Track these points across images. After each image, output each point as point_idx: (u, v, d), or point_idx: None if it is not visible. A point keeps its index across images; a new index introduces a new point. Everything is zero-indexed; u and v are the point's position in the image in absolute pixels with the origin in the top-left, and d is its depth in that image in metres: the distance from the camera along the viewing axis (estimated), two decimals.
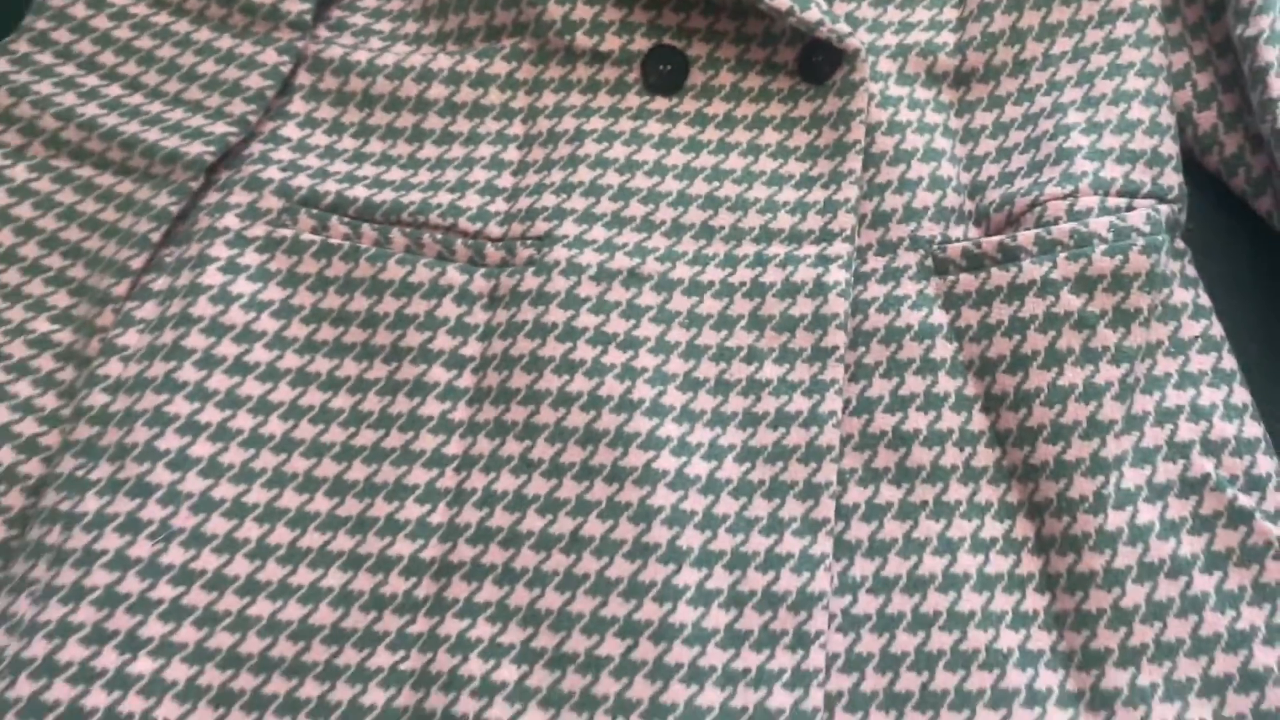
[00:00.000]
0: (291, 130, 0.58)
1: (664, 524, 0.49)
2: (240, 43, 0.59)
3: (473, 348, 0.53)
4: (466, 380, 0.53)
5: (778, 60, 0.58)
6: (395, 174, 0.57)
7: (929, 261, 0.53)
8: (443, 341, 0.53)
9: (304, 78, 0.59)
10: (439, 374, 0.53)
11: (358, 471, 0.52)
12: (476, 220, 0.55)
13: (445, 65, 0.58)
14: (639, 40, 0.58)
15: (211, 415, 0.52)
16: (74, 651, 0.47)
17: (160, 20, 0.61)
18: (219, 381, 0.53)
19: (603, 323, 0.53)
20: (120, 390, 0.52)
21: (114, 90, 0.59)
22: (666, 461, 0.50)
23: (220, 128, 0.57)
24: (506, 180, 0.57)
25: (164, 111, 0.58)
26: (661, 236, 0.55)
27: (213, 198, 0.56)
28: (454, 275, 0.54)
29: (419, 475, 0.52)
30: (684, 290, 0.54)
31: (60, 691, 0.47)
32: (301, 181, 0.56)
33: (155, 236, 0.55)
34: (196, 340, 0.53)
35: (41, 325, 0.55)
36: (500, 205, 0.56)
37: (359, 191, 0.56)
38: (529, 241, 0.55)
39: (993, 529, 0.50)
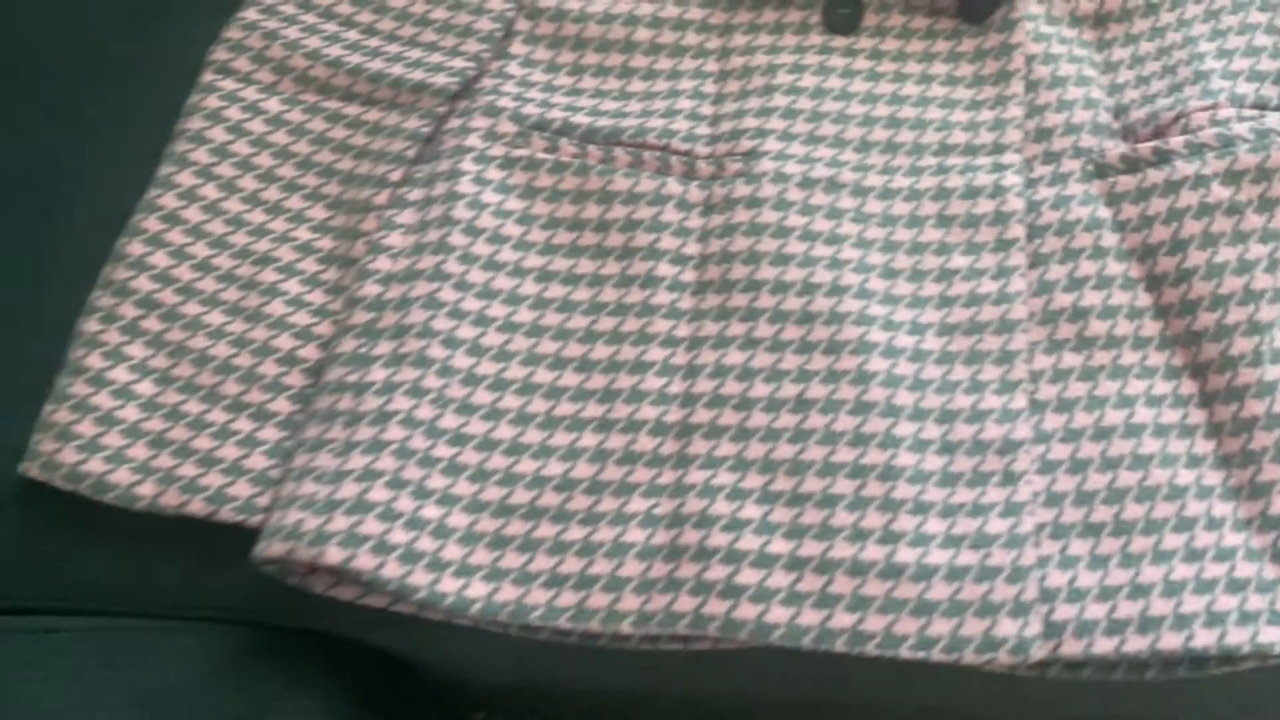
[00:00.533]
0: (514, 68, 0.66)
1: (880, 385, 0.56)
2: None
3: (692, 247, 0.61)
4: (689, 275, 0.60)
5: (940, 4, 0.66)
6: (609, 105, 0.65)
7: (1090, 167, 0.62)
8: (667, 241, 0.61)
9: (522, 24, 0.67)
10: (666, 269, 0.60)
11: (600, 351, 0.59)
12: (686, 141, 0.63)
13: (648, 12, 0.66)
14: None
15: (472, 304, 0.59)
16: (380, 494, 0.54)
17: None
18: (476, 275, 0.60)
19: (809, 222, 0.60)
20: (392, 281, 0.59)
21: (352, 35, 0.67)
22: (877, 335, 0.58)
23: (459, 63, 0.64)
24: (707, 109, 0.64)
25: (402, 51, 0.66)
26: (852, 152, 0.62)
27: (455, 123, 0.64)
28: (673, 186, 0.62)
29: (656, 354, 0.59)
30: (877, 195, 0.61)
31: (371, 526, 0.53)
32: (531, 110, 0.64)
33: (410, 153, 0.62)
34: (458, 239, 0.60)
35: (303, 234, 0.62)
36: (704, 129, 0.64)
37: (581, 119, 0.64)
38: (735, 157, 0.62)
39: (1162, 387, 0.57)
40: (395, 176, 0.62)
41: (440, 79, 0.64)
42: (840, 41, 0.66)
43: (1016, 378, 0.57)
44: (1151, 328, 0.59)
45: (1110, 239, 0.60)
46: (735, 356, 0.58)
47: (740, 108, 0.64)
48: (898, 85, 0.64)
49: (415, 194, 0.62)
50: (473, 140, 0.63)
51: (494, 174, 0.62)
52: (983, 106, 0.63)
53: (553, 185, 0.62)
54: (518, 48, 0.66)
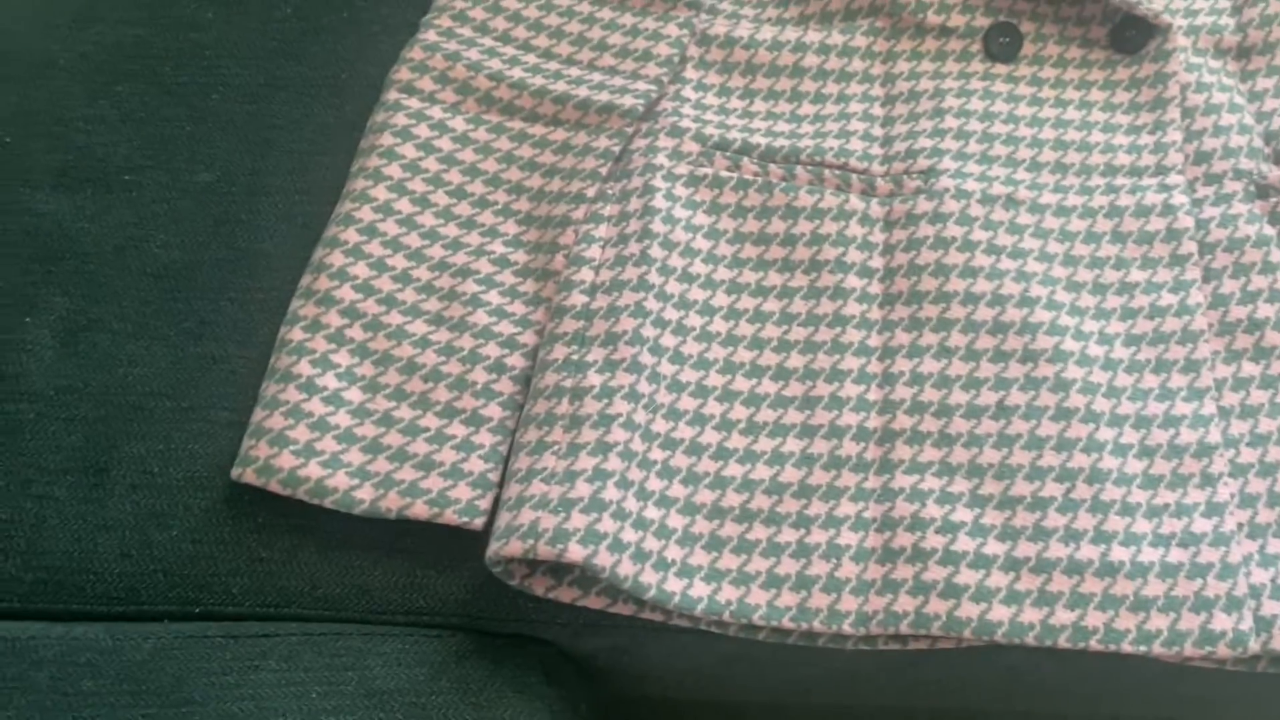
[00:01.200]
0: (689, 92, 0.68)
1: (1079, 393, 0.59)
2: (642, 19, 0.69)
3: (877, 261, 0.63)
4: (875, 288, 0.62)
5: (1091, 37, 0.70)
6: (783, 126, 0.67)
7: (1251, 188, 0.65)
8: (854, 255, 0.63)
9: (693, 50, 0.69)
10: (854, 281, 0.62)
11: (796, 360, 0.61)
12: (863, 160, 0.66)
13: (815, 39, 0.69)
14: (979, 18, 0.69)
15: (671, 314, 0.61)
16: (611, 493, 0.55)
17: (563, 1, 0.71)
18: (674, 286, 0.61)
19: (993, 236, 0.63)
20: (598, 291, 0.61)
21: (531, 59, 0.69)
22: (1071, 344, 0.60)
23: (642, 85, 0.66)
24: (878, 130, 0.67)
25: (582, 75, 0.68)
26: (1025, 171, 0.65)
27: (641, 143, 0.66)
28: (856, 202, 0.64)
29: (850, 362, 0.61)
30: (1053, 212, 0.64)
31: (607, 524, 0.54)
32: (711, 130, 0.66)
33: (603, 171, 0.64)
34: (657, 251, 0.62)
35: (498, 248, 0.63)
36: (878, 149, 0.66)
37: (759, 139, 0.66)
38: (914, 175, 0.65)
39: None
40: (591, 192, 0.63)
41: (627, 100, 0.66)
42: (1001, 69, 0.69)
43: (1204, 385, 0.60)
44: None
45: (1278, 255, 0.63)
46: (930, 365, 0.60)
47: (912, 129, 0.67)
48: (1060, 110, 0.68)
49: (610, 209, 0.64)
50: (660, 159, 0.65)
51: (680, 190, 0.64)
52: (1142, 131, 0.67)
53: (737, 201, 0.64)
54: (691, 72, 0.69)
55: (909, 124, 0.67)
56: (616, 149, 0.65)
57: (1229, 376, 0.61)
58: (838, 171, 0.65)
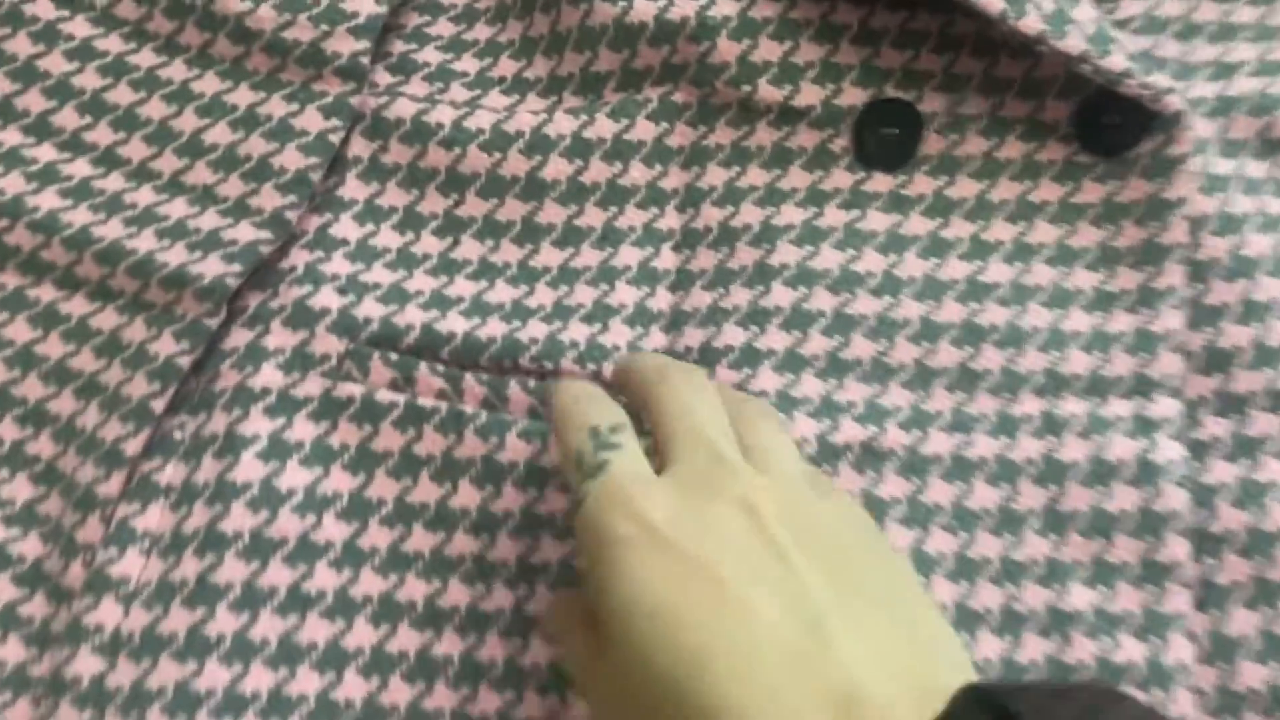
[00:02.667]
0: (347, 228, 0.40)
1: None
2: (265, 99, 0.40)
3: None
4: None
5: (1044, 118, 0.40)
6: (502, 293, 0.39)
7: None
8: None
9: (360, 147, 0.41)
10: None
11: None
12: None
13: (566, 129, 0.40)
14: (849, 91, 0.40)
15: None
16: None
17: (141, 61, 0.42)
18: (264, 627, 0.36)
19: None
20: (121, 651, 0.35)
21: (79, 167, 0.41)
22: None
23: (245, 232, 0.39)
24: (663, 300, 0.39)
25: (156, 205, 0.40)
26: (902, 390, 0.38)
27: (239, 339, 0.38)
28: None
29: None
30: (945, 473, 0.37)
31: None
32: (370, 309, 0.39)
33: (156, 406, 0.37)
34: (232, 570, 0.35)
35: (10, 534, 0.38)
36: (658, 339, 0.39)
37: (455, 323, 0.38)
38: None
39: None
40: (131, 447, 0.37)
41: (210, 266, 0.38)
42: (882, 183, 0.40)
43: None
44: None
45: None
46: None
47: (716, 303, 0.39)
48: (978, 265, 0.39)
49: (169, 474, 0.37)
50: (266, 375, 0.37)
51: (302, 431, 0.37)
52: (1115, 306, 0.38)
53: (403, 448, 0.37)
54: (353, 188, 0.40)
55: (714, 291, 0.39)
56: (186, 360, 0.37)
57: None
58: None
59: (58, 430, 0.38)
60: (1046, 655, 0.36)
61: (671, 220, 0.40)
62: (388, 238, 0.40)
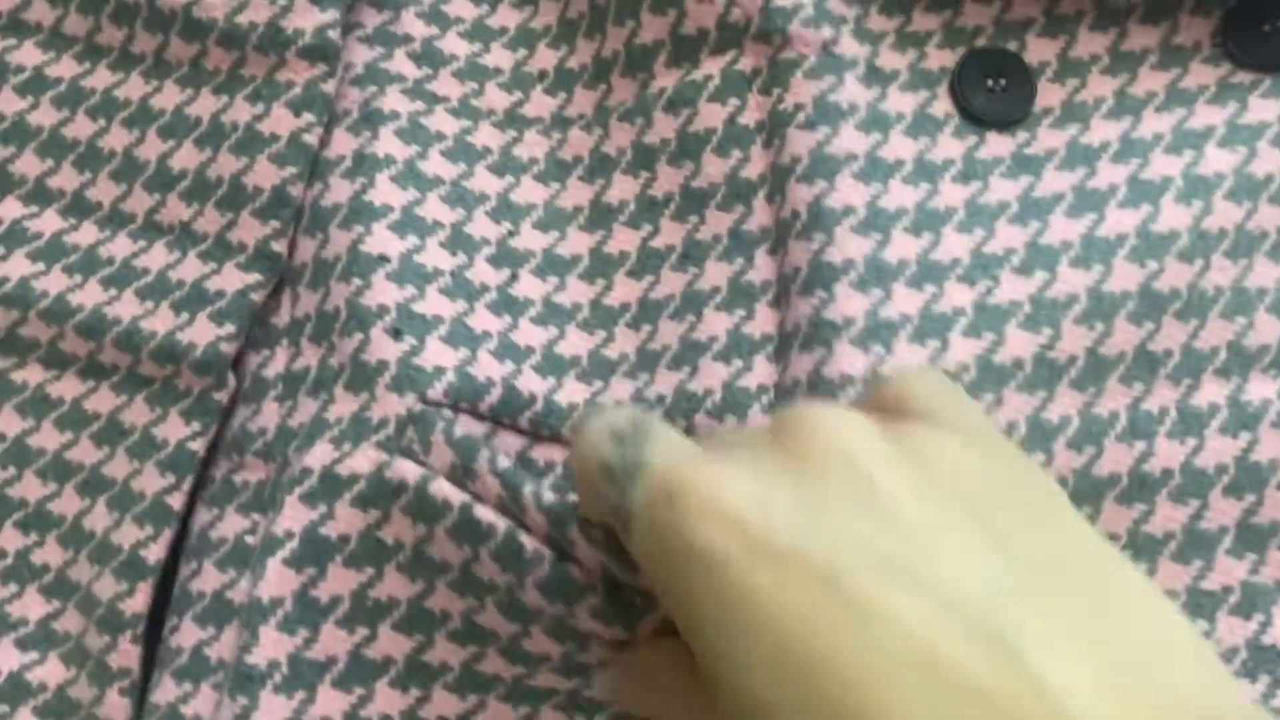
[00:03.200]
0: (383, 240, 0.32)
1: None
2: (228, 104, 0.34)
3: None
4: None
5: (1180, 42, 0.33)
6: (577, 343, 0.33)
7: None
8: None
9: (395, 145, 0.34)
10: None
11: None
12: (724, 413, 0.31)
13: (625, 141, 0.34)
14: (934, 55, 0.33)
15: None
16: None
17: (96, 83, 0.35)
18: None
19: None
20: None
21: (48, 221, 0.34)
22: None
23: (231, 279, 0.32)
24: (766, 318, 0.32)
25: (133, 256, 0.33)
26: (1069, 391, 0.31)
27: (267, 417, 0.32)
28: None
29: None
30: (1118, 496, 0.31)
31: None
32: (439, 353, 0.31)
33: (174, 502, 0.31)
34: (270, 710, 0.30)
35: None
36: (764, 371, 0.32)
37: (532, 381, 0.31)
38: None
39: None
40: (153, 554, 0.31)
41: (201, 331, 0.32)
42: (1001, 146, 0.33)
43: None
44: None
45: None
46: None
47: (820, 313, 0.32)
48: (1144, 210, 0.32)
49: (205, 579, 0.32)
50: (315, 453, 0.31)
51: (345, 522, 0.32)
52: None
53: (460, 564, 0.30)
54: (385, 185, 0.33)
55: (814, 298, 0.32)
56: (196, 440, 0.32)
57: None
58: None
59: (63, 534, 0.33)
60: None
61: (763, 216, 0.33)
62: (438, 256, 0.33)
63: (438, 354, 0.31)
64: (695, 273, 0.33)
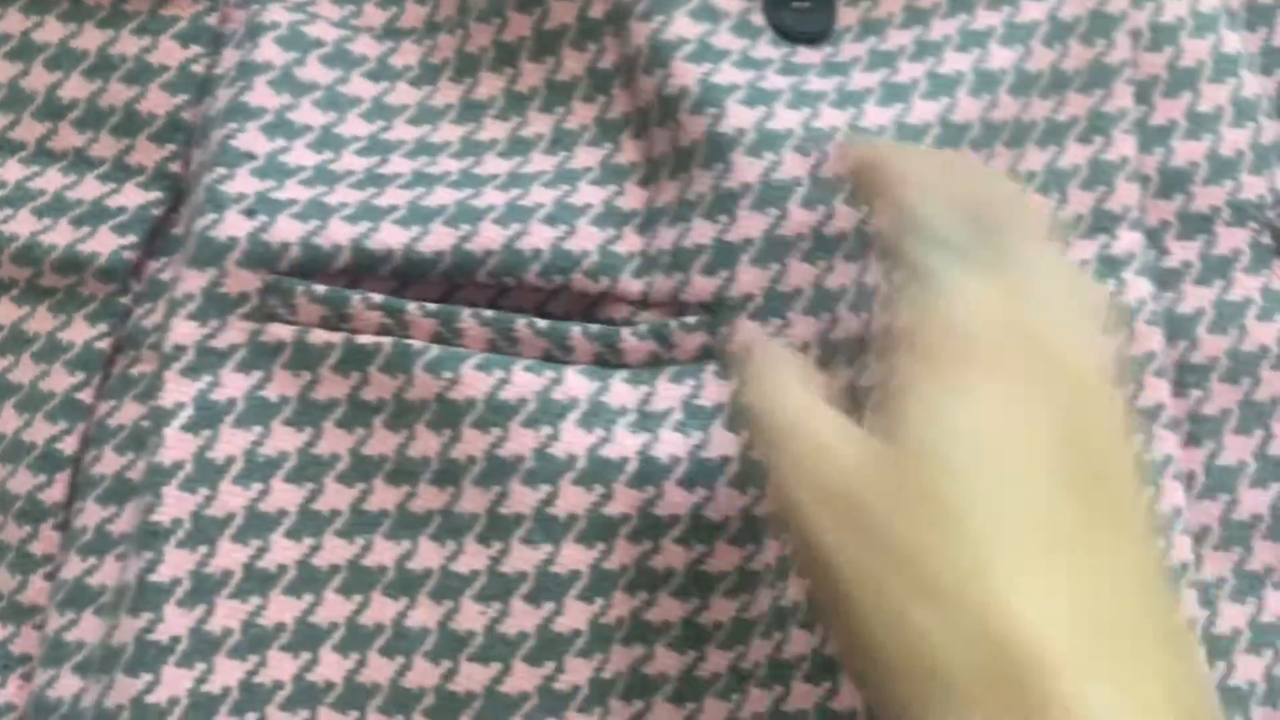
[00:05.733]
0: (253, 138, 0.36)
1: None
2: (115, 37, 0.37)
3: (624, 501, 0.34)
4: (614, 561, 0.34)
5: None
6: (443, 196, 0.36)
7: (1265, 238, 0.36)
8: (573, 498, 0.34)
9: (272, 54, 0.37)
10: (576, 555, 0.34)
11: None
12: (600, 274, 0.36)
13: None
14: None
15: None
16: None
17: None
18: (223, 617, 0.33)
19: None
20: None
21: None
22: None
23: (132, 196, 0.36)
24: (634, 196, 0.36)
25: (27, 179, 0.36)
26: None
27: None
28: (576, 384, 0.35)
29: None
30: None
31: None
32: (287, 229, 0.35)
33: (84, 397, 0.34)
34: (175, 563, 0.33)
35: None
36: (632, 241, 0.36)
37: (391, 235, 0.35)
38: (693, 313, 0.35)
39: None
40: (68, 446, 0.34)
41: (104, 241, 0.35)
42: (812, 56, 0.38)
43: None
44: None
45: None
46: None
47: (683, 195, 0.36)
48: (944, 105, 0.37)
49: (103, 466, 0.35)
50: (181, 330, 0.34)
51: (232, 386, 0.34)
52: (1066, 136, 0.36)
53: (349, 395, 0.34)
54: (261, 93, 0.36)
55: (679, 179, 0.36)
56: (106, 344, 0.35)
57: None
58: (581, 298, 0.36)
59: None
60: None
61: (623, 104, 0.37)
62: (300, 144, 0.36)
63: (285, 230, 0.34)
64: (566, 155, 0.37)
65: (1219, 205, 0.36)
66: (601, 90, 0.37)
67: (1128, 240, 0.36)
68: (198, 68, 0.36)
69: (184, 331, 0.34)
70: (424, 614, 0.33)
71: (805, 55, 0.38)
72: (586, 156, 0.37)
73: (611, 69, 0.37)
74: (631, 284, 0.35)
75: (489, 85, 0.38)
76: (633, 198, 0.36)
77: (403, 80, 0.38)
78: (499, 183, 0.36)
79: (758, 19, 0.38)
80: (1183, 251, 0.36)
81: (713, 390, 0.34)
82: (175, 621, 0.32)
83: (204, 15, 0.37)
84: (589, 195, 0.36)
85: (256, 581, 0.33)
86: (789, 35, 0.38)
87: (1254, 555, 0.34)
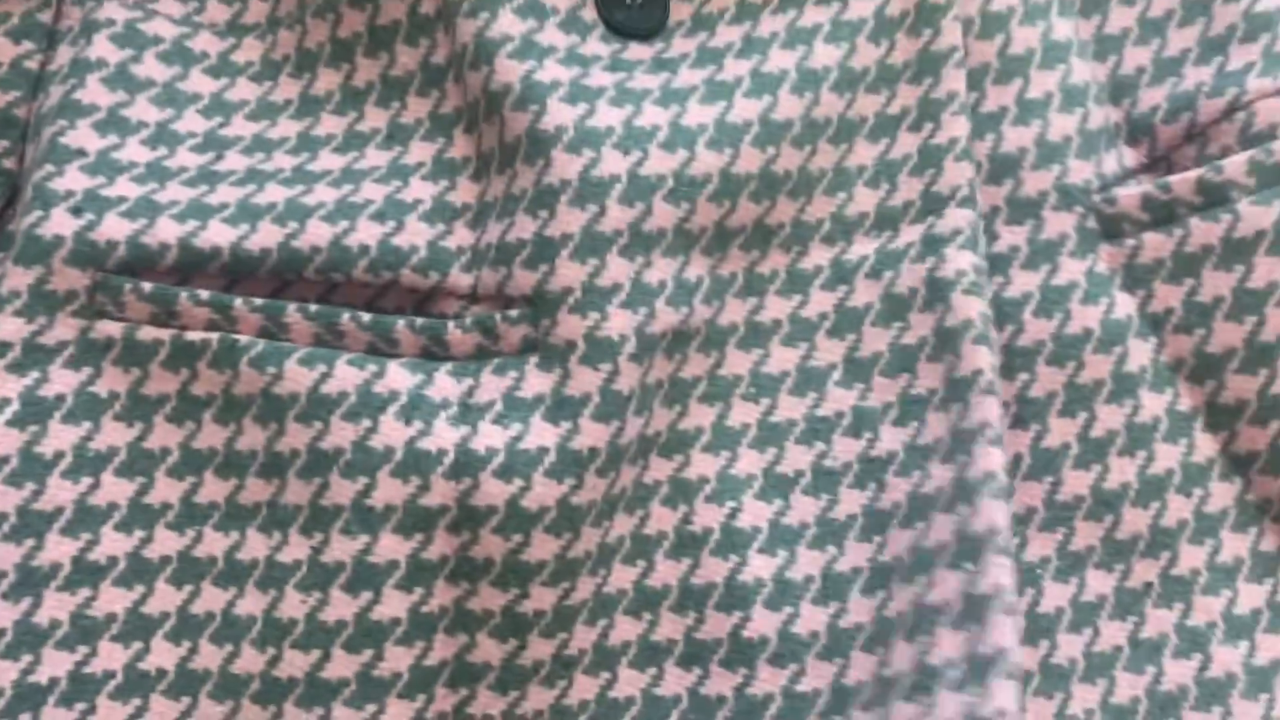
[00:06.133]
0: (84, 135, 0.37)
1: None
2: None
3: (442, 493, 0.35)
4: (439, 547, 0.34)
5: None
6: (274, 193, 0.37)
7: (1091, 222, 0.36)
8: (390, 490, 0.35)
9: (105, 50, 0.38)
10: (394, 545, 0.34)
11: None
12: (429, 269, 0.37)
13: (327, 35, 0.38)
14: None
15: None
16: None
17: None
18: (51, 609, 0.34)
19: (679, 417, 0.35)
20: None
21: None
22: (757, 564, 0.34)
23: None
24: (466, 190, 0.37)
25: None
26: (700, 256, 0.36)
27: None
28: (398, 377, 0.36)
29: None
30: (738, 342, 0.36)
31: None
32: (115, 228, 0.35)
33: None
34: (2, 556, 0.34)
35: None
36: (463, 236, 0.37)
37: (218, 233, 0.35)
38: (517, 299, 0.35)
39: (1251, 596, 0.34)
40: None
41: None
42: (642, 52, 0.38)
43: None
44: (1223, 495, 0.35)
45: (1140, 354, 0.35)
46: None
47: (509, 188, 0.37)
48: (761, 101, 0.37)
49: None
50: (6, 327, 0.35)
51: (60, 382, 0.35)
52: (898, 127, 0.37)
53: (179, 389, 0.35)
54: (93, 90, 0.37)
55: (504, 175, 0.37)
56: None
57: (1066, 605, 0.34)
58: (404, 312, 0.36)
59: None
60: (862, 506, 0.35)
61: (456, 99, 0.38)
62: (134, 141, 0.37)
63: (113, 228, 0.35)
64: (400, 150, 0.37)
65: (1047, 190, 0.36)
66: (435, 85, 0.37)
67: (955, 217, 0.36)
68: (31, 64, 0.37)
69: (10, 328, 0.34)
70: (251, 603, 0.34)
71: (636, 51, 0.38)
72: (420, 151, 0.37)
73: (444, 64, 0.37)
74: (461, 278, 0.36)
75: (326, 80, 0.38)
76: (465, 192, 0.37)
77: (243, 76, 0.38)
78: (331, 179, 0.37)
79: (589, 14, 0.38)
80: (1011, 236, 0.36)
81: (534, 382, 0.35)
82: (2, 613, 0.33)
83: (36, 12, 0.38)
84: (420, 190, 0.36)
85: (86, 574, 0.34)
86: (621, 31, 0.38)
87: (1076, 536, 0.35)
